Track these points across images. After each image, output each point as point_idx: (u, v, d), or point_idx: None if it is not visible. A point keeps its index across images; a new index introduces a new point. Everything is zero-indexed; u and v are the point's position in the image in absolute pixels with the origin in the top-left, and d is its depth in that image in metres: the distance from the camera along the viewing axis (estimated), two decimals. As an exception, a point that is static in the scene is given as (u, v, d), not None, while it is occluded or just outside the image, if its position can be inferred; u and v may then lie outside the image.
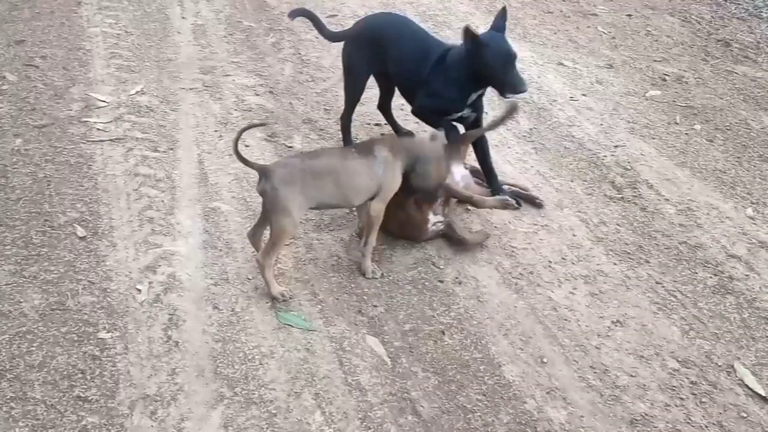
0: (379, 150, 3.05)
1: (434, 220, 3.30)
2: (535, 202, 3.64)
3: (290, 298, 3.02)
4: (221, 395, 2.57)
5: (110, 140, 3.95)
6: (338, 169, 2.97)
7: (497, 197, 3.42)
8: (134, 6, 5.58)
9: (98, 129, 4.04)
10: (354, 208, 3.37)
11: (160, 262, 3.15)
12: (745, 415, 2.59)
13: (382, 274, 3.17)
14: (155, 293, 2.98)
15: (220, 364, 2.68)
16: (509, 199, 3.41)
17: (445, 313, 2.98)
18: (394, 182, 3.08)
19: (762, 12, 6.06)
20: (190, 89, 4.51)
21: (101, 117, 4.15)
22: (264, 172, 2.90)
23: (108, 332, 2.80)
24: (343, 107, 3.89)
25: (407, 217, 3.27)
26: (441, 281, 3.14)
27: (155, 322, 2.85)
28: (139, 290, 2.99)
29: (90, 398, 2.54)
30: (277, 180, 2.86)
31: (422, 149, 3.14)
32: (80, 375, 2.62)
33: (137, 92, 4.42)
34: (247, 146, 3.93)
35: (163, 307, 2.92)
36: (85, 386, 2.58)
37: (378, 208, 3.07)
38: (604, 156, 4.04)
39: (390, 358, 2.76)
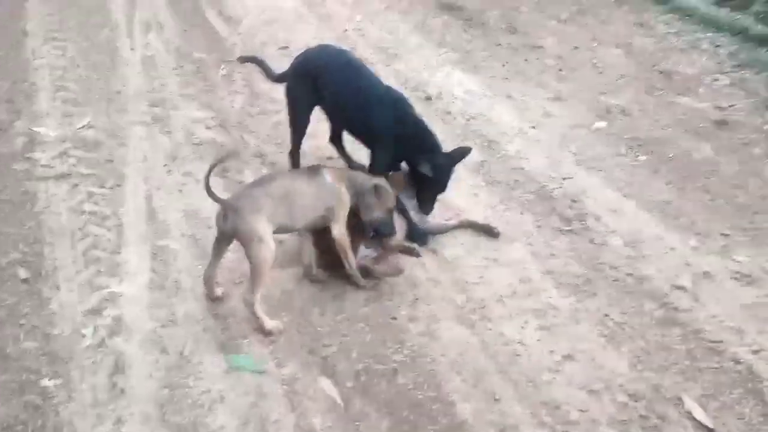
0: (326, 173, 3.16)
1: (364, 253, 3.31)
2: (492, 233, 3.67)
3: (283, 331, 3.02)
4: (169, 443, 2.51)
5: (55, 177, 3.86)
6: (289, 190, 3.05)
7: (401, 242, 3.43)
8: (82, 37, 5.51)
9: (42, 165, 3.95)
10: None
11: (105, 304, 3.08)
12: (692, 448, 2.64)
13: (374, 284, 3.27)
14: (100, 337, 2.91)
15: (167, 411, 2.62)
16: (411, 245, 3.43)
17: (399, 351, 2.97)
18: (343, 205, 3.15)
19: (702, 44, 6.27)
20: (139, 123, 4.45)
21: (46, 152, 4.06)
22: (231, 208, 2.91)
23: (51, 380, 2.72)
24: (292, 142, 3.88)
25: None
26: (394, 318, 3.14)
27: (100, 368, 2.78)
28: (84, 335, 2.92)
29: (31, 450, 2.45)
30: (247, 212, 2.89)
31: (363, 181, 3.23)
32: (21, 426, 2.54)
33: (84, 126, 4.35)
34: (197, 181, 3.89)
35: (109, 352, 2.85)
36: (25, 437, 2.49)
37: (339, 232, 3.13)
38: (553, 188, 4.11)
39: (343, 399, 2.74)
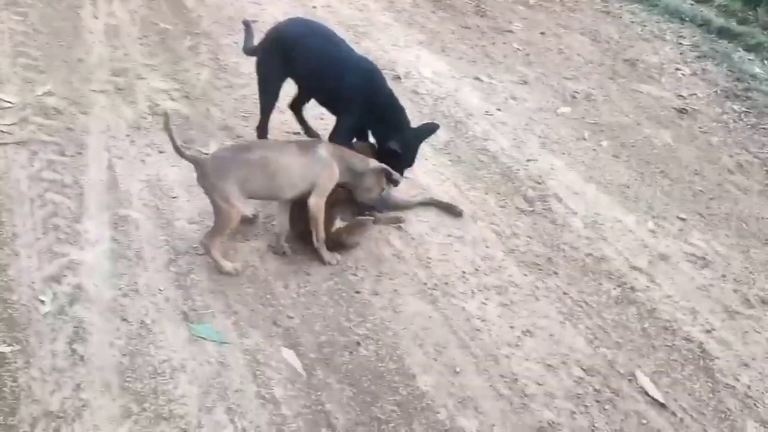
0: (321, 149, 3.18)
1: (339, 224, 3.35)
2: (455, 211, 3.71)
3: (243, 272, 3.14)
4: (129, 411, 2.50)
5: (14, 143, 3.77)
6: (271, 162, 3.07)
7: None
8: (43, 3, 5.36)
9: (1, 131, 3.85)
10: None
11: (65, 272, 3.03)
12: (645, 422, 2.72)
13: (338, 261, 3.28)
14: (60, 305, 2.87)
15: (128, 379, 2.60)
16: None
17: (361, 324, 3.00)
18: (331, 180, 3.18)
19: (666, 35, 6.39)
20: (101, 92, 4.36)
21: (5, 118, 3.95)
22: (198, 165, 3.02)
23: (8, 346, 2.67)
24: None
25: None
26: (357, 292, 3.16)
27: (59, 335, 2.74)
28: (43, 301, 2.87)
29: (-13, 416, 2.42)
30: (211, 172, 2.98)
31: (361, 163, 3.26)
32: (-24, 392, 2.49)
33: (45, 93, 4.24)
34: (161, 152, 3.84)
35: (68, 320, 2.81)
36: (-19, 403, 2.46)
37: (316, 203, 3.15)
38: (517, 170, 4.16)
39: (305, 370, 2.75)
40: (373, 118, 3.48)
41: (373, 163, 3.29)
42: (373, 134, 3.57)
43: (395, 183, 3.37)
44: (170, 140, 3.00)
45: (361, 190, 3.30)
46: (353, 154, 3.32)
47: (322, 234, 3.22)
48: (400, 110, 3.52)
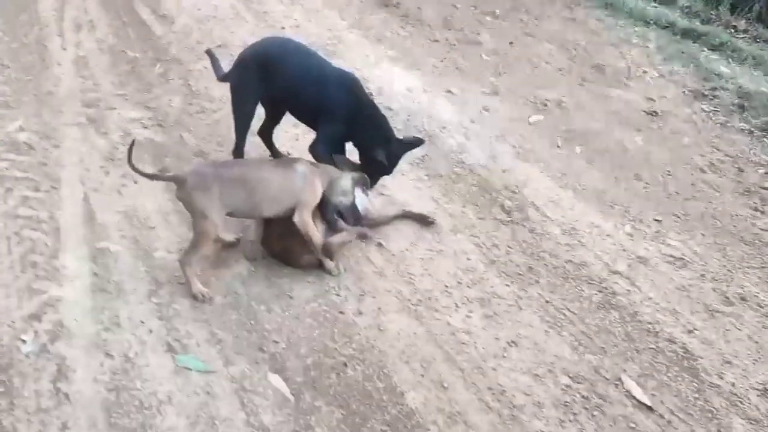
0: (300, 166, 3.24)
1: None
2: (427, 221, 3.74)
3: (210, 299, 3.11)
4: (117, 447, 2.47)
5: (-13, 181, 3.73)
6: (251, 179, 3.13)
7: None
8: (9, 37, 5.33)
9: (-27, 169, 3.82)
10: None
11: (45, 309, 3.00)
12: (633, 426, 2.74)
13: (344, 268, 3.35)
14: (41, 343, 2.83)
15: (114, 414, 2.58)
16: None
17: (347, 345, 2.99)
18: (314, 196, 3.24)
19: (632, 38, 6.49)
20: (73, 124, 4.34)
21: (-24, 156, 3.92)
22: (178, 181, 3.06)
23: (-9, 388, 2.64)
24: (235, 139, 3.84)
25: (289, 232, 3.28)
26: (341, 312, 3.16)
27: (43, 374, 2.71)
28: (24, 341, 2.83)
29: (-29, 462, 2.38)
30: (191, 186, 3.02)
31: (336, 171, 3.37)
32: (-40, 437, 2.45)
33: (15, 129, 4.21)
34: (136, 182, 3.82)
35: (51, 357, 2.78)
36: (-35, 449, 2.42)
37: (303, 221, 3.20)
38: (494, 181, 4.20)
39: (293, 394, 2.75)
40: (357, 129, 3.53)
41: (353, 172, 3.38)
42: (356, 144, 3.61)
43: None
44: (140, 173, 3.08)
45: (336, 195, 3.33)
46: (327, 165, 3.40)
47: (317, 243, 3.24)
48: (384, 120, 3.59)
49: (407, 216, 3.76)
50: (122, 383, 2.71)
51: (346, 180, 3.36)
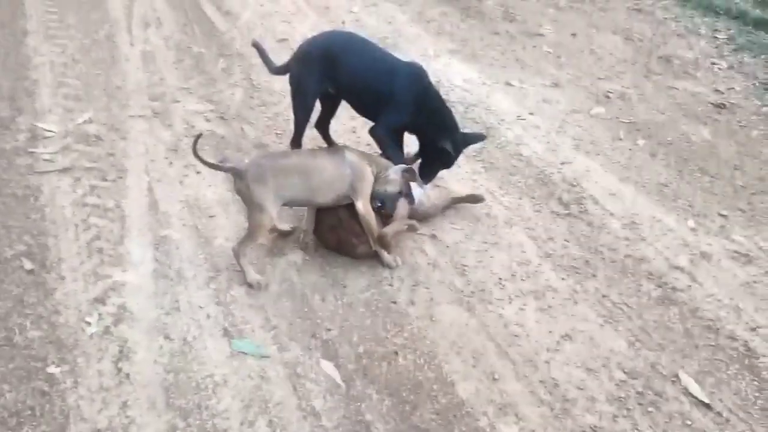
0: (348, 153, 3.28)
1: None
2: (477, 199, 3.77)
3: (266, 286, 3.19)
4: (174, 426, 2.55)
5: (57, 171, 3.90)
6: (307, 167, 3.18)
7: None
8: (82, 34, 5.55)
9: (45, 159, 3.99)
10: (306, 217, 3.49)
11: (109, 294, 3.12)
12: (689, 423, 2.67)
13: (403, 261, 3.37)
14: (105, 325, 2.95)
15: (172, 395, 2.66)
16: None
17: (399, 334, 3.01)
18: (368, 183, 3.26)
19: (700, 29, 6.28)
20: (139, 116, 4.49)
21: (48, 147, 4.10)
22: (237, 173, 3.12)
23: (57, 367, 2.76)
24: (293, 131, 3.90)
25: (340, 225, 3.32)
26: (394, 302, 3.17)
27: (105, 355, 2.82)
28: (89, 323, 2.95)
29: (39, 435, 2.50)
30: (250, 178, 3.08)
31: (386, 161, 3.40)
32: (29, 412, 2.57)
33: (85, 121, 4.39)
34: (198, 173, 3.93)
35: (114, 339, 2.89)
36: (34, 423, 2.54)
37: (364, 208, 3.24)
38: (551, 173, 4.14)
39: (344, 381, 2.78)
40: (422, 119, 3.55)
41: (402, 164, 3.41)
42: (419, 134, 3.64)
43: (425, 179, 3.55)
44: (202, 162, 3.15)
45: (381, 184, 3.33)
46: (374, 156, 3.45)
47: (375, 235, 3.27)
48: (450, 112, 3.63)
49: (457, 201, 3.75)
50: (180, 365, 2.79)
51: (394, 171, 3.35)
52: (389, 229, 3.32)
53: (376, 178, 3.33)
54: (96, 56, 5.22)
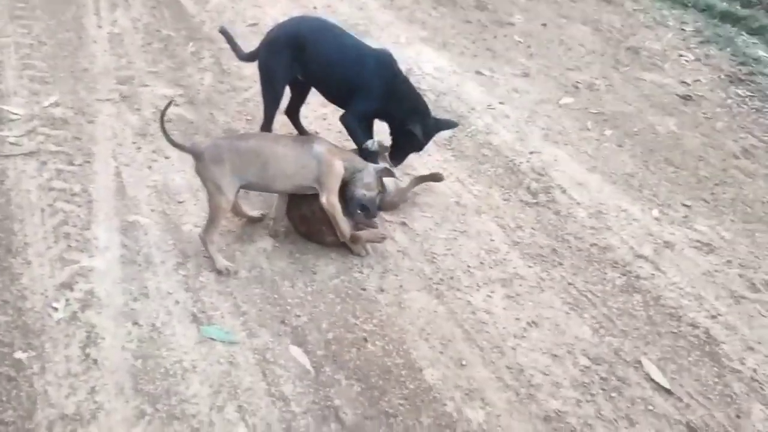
0: (318, 145, 3.24)
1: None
2: (438, 177, 3.81)
3: (235, 273, 3.18)
4: (142, 412, 2.55)
5: (23, 154, 3.84)
6: (264, 153, 3.15)
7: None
8: (48, 15, 5.44)
9: (10, 143, 3.92)
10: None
11: (76, 279, 3.09)
12: (651, 408, 2.74)
13: (368, 252, 3.38)
14: (72, 311, 2.93)
15: (140, 381, 2.66)
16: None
17: (368, 321, 3.03)
18: (336, 177, 3.23)
19: (668, 21, 6.37)
20: (107, 100, 4.43)
21: (13, 130, 4.03)
22: (196, 154, 3.11)
23: (24, 352, 2.74)
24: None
25: (312, 213, 3.32)
26: (363, 289, 3.20)
27: (73, 340, 2.80)
28: (56, 308, 2.93)
29: (6, 420, 2.48)
30: (207, 158, 3.07)
31: (361, 162, 3.35)
32: (-6, 398, 2.55)
33: (51, 104, 4.32)
34: (167, 158, 3.90)
35: (81, 325, 2.87)
36: (0, 408, 2.52)
37: (329, 201, 3.21)
38: (520, 162, 4.18)
39: (313, 367, 2.80)
40: (392, 104, 3.56)
41: (379, 164, 3.40)
42: (389, 120, 3.64)
43: (395, 162, 3.62)
44: (164, 134, 3.12)
45: (357, 185, 3.32)
46: (352, 154, 3.39)
47: (345, 229, 3.27)
48: (419, 96, 3.66)
49: (419, 182, 3.78)
50: (149, 351, 2.79)
51: (369, 173, 3.34)
52: (365, 234, 3.32)
53: (351, 180, 3.31)
54: (62, 38, 5.13)
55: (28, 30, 5.17)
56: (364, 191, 3.32)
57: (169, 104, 3.15)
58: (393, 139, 3.69)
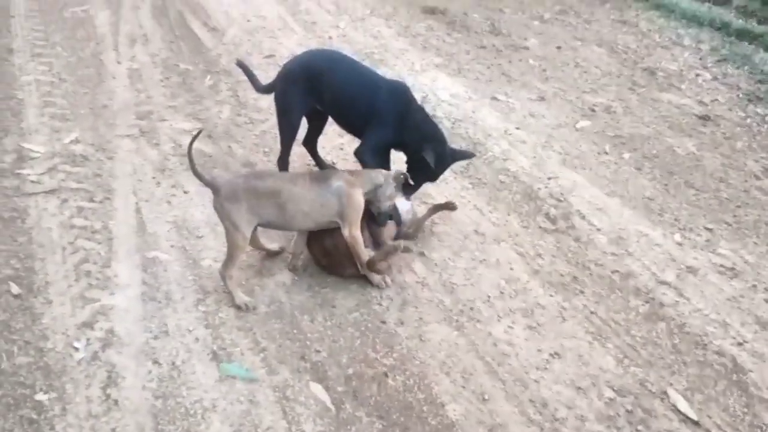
0: (336, 180, 3.21)
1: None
2: (450, 206, 3.77)
3: (254, 308, 3.18)
4: (163, 453, 2.54)
5: (44, 192, 3.88)
6: (281, 193, 3.13)
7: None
8: (68, 52, 5.54)
9: (32, 181, 3.97)
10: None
11: (97, 318, 3.10)
12: (678, 440, 2.69)
13: (392, 280, 3.37)
14: (93, 350, 2.93)
15: (161, 421, 2.65)
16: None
17: (388, 355, 3.01)
18: (357, 209, 3.22)
19: (684, 40, 6.34)
20: (126, 136, 4.48)
21: (35, 168, 4.09)
22: (214, 188, 3.13)
23: (45, 394, 2.74)
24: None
25: (335, 247, 3.31)
26: (383, 322, 3.18)
27: (94, 381, 2.80)
28: (77, 348, 2.94)
29: (27, 465, 2.48)
30: (224, 196, 3.09)
31: (379, 175, 3.33)
32: (16, 441, 2.56)
33: (71, 141, 4.37)
34: (185, 192, 3.93)
35: (102, 365, 2.87)
36: (21, 452, 2.52)
37: (351, 234, 3.21)
38: (538, 188, 4.16)
39: (334, 404, 2.77)
40: (406, 134, 3.56)
41: (393, 171, 3.40)
42: (405, 149, 3.64)
43: (408, 191, 3.57)
44: (190, 163, 3.13)
45: (382, 199, 3.32)
46: (367, 171, 3.40)
47: (364, 261, 3.26)
48: (435, 125, 3.65)
49: (434, 211, 3.75)
50: (169, 390, 2.78)
51: (388, 184, 3.33)
52: (377, 256, 3.31)
53: (371, 201, 3.31)
54: (82, 74, 5.22)
55: (48, 67, 5.27)
56: (387, 202, 3.34)
57: (197, 134, 3.18)
58: (408, 169, 3.68)
